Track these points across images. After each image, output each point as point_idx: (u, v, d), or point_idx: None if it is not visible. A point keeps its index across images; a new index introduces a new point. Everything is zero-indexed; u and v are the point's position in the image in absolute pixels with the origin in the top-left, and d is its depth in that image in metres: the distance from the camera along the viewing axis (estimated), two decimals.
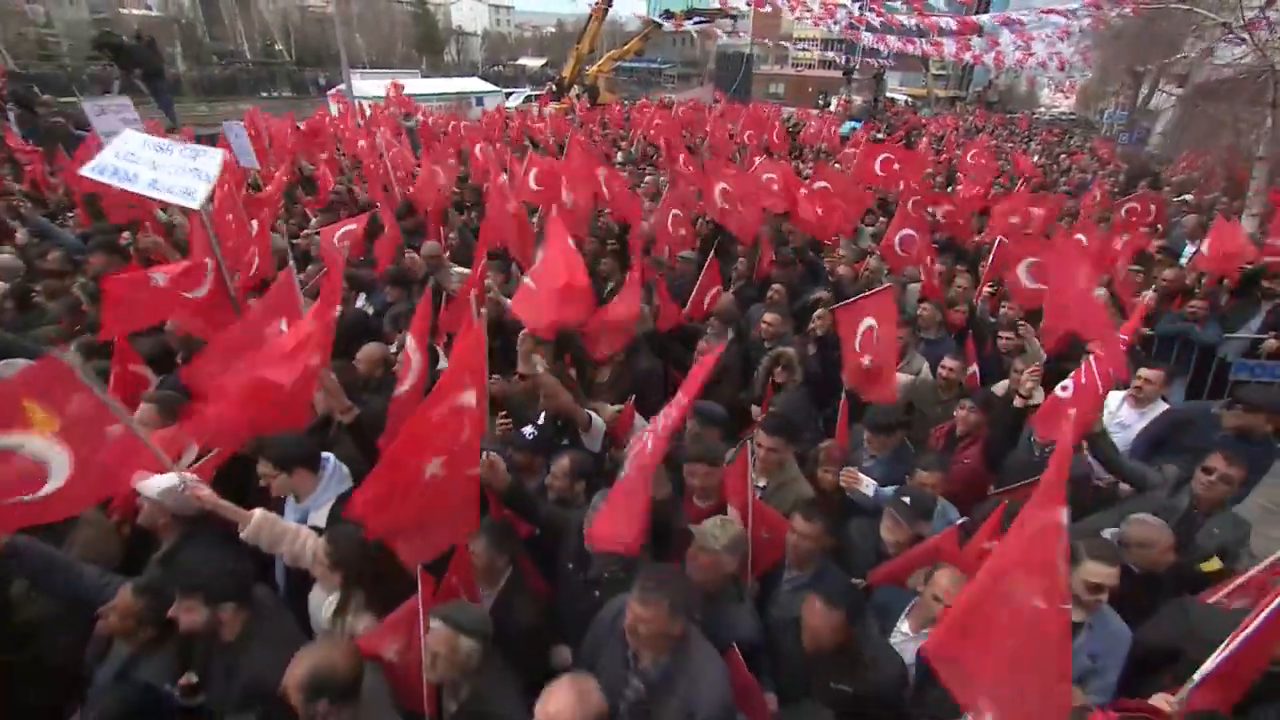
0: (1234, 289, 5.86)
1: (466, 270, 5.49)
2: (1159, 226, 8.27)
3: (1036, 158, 17.13)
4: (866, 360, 3.81)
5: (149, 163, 3.56)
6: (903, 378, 4.50)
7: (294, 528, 2.51)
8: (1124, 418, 4.04)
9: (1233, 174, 9.57)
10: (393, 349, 3.85)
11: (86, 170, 3.70)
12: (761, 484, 3.13)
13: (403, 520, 2.34)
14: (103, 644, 2.34)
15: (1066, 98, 46.93)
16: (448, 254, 5.87)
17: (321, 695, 1.93)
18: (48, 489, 2.13)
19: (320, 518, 2.61)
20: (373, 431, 2.98)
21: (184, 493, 2.31)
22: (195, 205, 3.49)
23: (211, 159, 3.59)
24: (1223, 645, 2.03)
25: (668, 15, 30.88)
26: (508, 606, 2.52)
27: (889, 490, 2.99)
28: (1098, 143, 23.32)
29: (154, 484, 2.44)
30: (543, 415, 3.44)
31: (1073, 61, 27.18)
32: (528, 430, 3.14)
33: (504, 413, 3.32)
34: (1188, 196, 9.49)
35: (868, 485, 3.06)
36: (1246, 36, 7.44)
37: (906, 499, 2.82)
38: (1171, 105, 20.53)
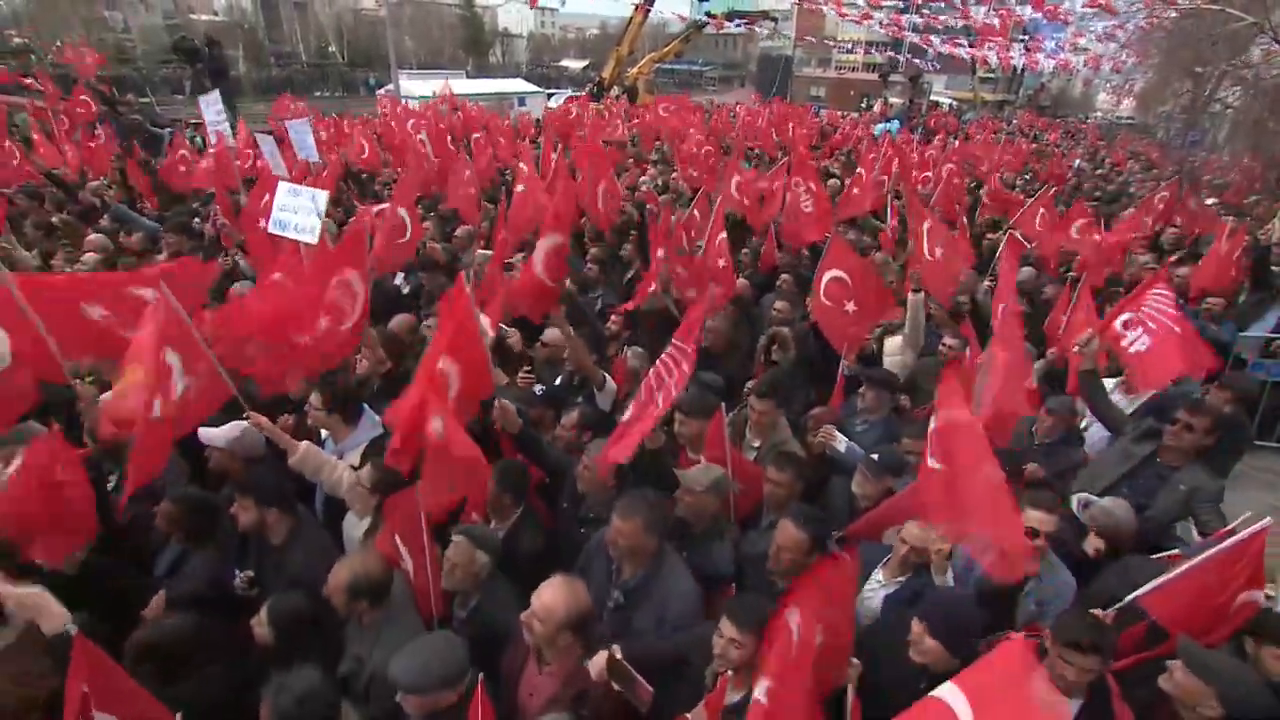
0: (1252, 284, 5.84)
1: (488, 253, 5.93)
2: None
3: (1079, 161, 16.77)
4: (850, 306, 4.17)
5: (292, 209, 4.24)
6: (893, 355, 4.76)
7: (333, 460, 2.92)
8: (1115, 403, 4.17)
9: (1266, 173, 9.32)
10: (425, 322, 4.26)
11: (271, 229, 4.37)
12: (755, 444, 3.43)
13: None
14: (162, 538, 2.76)
15: (1119, 102, 45.19)
16: (482, 241, 6.32)
17: (361, 597, 2.31)
18: (174, 395, 2.55)
19: (353, 457, 3.01)
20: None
21: (249, 425, 2.72)
22: (313, 240, 4.03)
23: (321, 198, 4.19)
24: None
25: (709, 17, 31.08)
26: (516, 538, 2.85)
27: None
28: (1145, 146, 22.55)
29: (221, 434, 2.87)
30: (560, 378, 3.80)
31: (1124, 61, 26.37)
32: (538, 388, 3.49)
33: (528, 368, 3.68)
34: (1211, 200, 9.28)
35: (841, 442, 3.31)
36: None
37: (876, 456, 3.07)
38: (1231, 109, 19.85)
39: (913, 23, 28.21)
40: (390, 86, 21.37)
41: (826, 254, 4.29)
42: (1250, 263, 5.68)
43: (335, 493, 2.91)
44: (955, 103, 42.44)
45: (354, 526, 2.85)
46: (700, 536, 2.74)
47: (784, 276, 5.48)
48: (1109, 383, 4.31)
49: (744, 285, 5.57)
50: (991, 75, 49.15)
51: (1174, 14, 15.27)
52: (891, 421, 3.88)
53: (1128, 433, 3.43)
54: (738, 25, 35.62)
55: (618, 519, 2.31)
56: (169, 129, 11.80)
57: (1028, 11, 20.46)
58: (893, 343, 4.75)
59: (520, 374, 3.60)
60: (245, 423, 2.89)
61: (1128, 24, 22.40)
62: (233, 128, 11.50)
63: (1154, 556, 2.88)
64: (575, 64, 57.76)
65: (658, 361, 2.74)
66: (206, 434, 2.86)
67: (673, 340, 2.73)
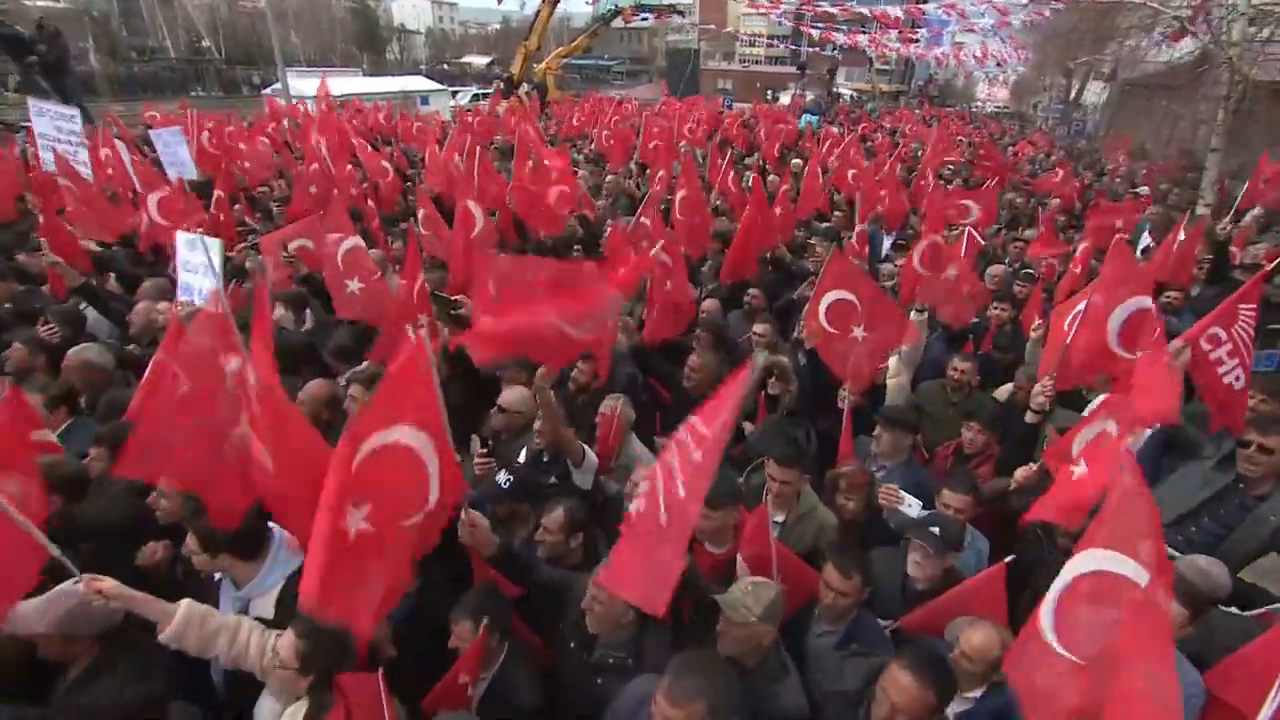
0: (1206, 276, 5.89)
1: None
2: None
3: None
4: (859, 332, 3.65)
5: (194, 267, 3.50)
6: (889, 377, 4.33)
7: (232, 622, 2.05)
8: None
9: (1179, 164, 9.85)
10: (342, 382, 3.37)
11: (180, 295, 3.63)
12: (779, 519, 2.83)
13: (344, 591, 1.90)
14: None
15: (988, 91, 48.90)
16: (397, 267, 5.38)
17: None
18: None
19: (265, 605, 2.15)
20: None
21: (77, 592, 1.80)
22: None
23: (215, 249, 3.35)
24: None
25: (616, 11, 30.48)
26: (506, 689, 2.17)
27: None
28: (1035, 135, 24.06)
29: (32, 610, 1.90)
30: (524, 451, 3.05)
31: (1007, 56, 28.13)
32: (502, 477, 2.73)
33: (484, 450, 2.89)
34: (1143, 188, 9.71)
35: (910, 505, 2.68)
36: (1203, 27, 7.56)
37: (936, 529, 2.55)
38: (1103, 96, 21.61)
39: (811, 15, 28.74)
40: (277, 86, 19.30)
41: (825, 273, 3.75)
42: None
43: (240, 667, 2.05)
44: (855, 94, 44.17)
45: (276, 714, 2.01)
46: (758, 674, 2.11)
47: (752, 292, 4.92)
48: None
49: (713, 305, 4.98)
50: (887, 68, 51.65)
51: (1060, 7, 16.20)
52: (912, 467, 3.41)
53: (1208, 456, 3.08)
54: (645, 19, 35.26)
55: (668, 705, 1.63)
56: None
57: (930, 7, 21.20)
58: (889, 363, 4.33)
59: (477, 459, 2.81)
60: (71, 586, 1.92)
61: (1012, 20, 23.93)
62: (90, 125, 9.73)
63: (1243, 613, 2.55)
64: (479, 60, 55.49)
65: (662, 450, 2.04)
66: (12, 615, 1.89)
67: (691, 420, 2.01)
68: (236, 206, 7.05)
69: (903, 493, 2.69)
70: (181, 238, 3.49)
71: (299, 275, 4.61)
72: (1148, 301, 3.12)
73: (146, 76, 35.03)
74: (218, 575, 2.27)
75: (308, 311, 4.50)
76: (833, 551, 2.33)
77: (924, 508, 2.77)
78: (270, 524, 2.30)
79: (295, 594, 2.15)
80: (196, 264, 3.38)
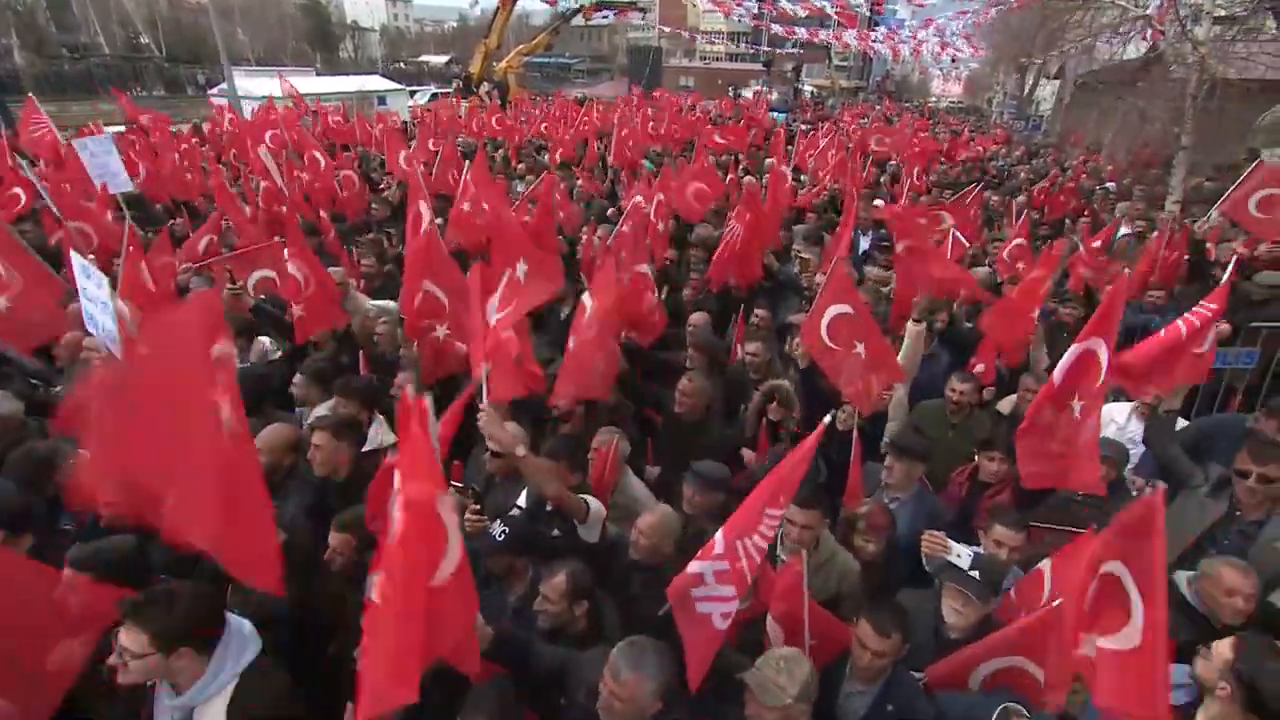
0: (1188, 275, 5.89)
1: (385, 303, 4.60)
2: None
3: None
4: (860, 348, 3.43)
5: (91, 296, 3.05)
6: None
7: None
8: (1134, 433, 3.78)
9: (1142, 160, 10.01)
10: (307, 421, 3.01)
11: (88, 325, 3.20)
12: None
13: None
14: None
15: (943, 87, 50.14)
16: (360, 283, 4.98)
17: None
18: None
19: (214, 713, 1.79)
20: (305, 557, 2.23)
21: None
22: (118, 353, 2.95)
23: (104, 284, 2.97)
24: None
25: (577, 9, 30.07)
26: None
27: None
28: (996, 132, 24.57)
29: None
30: (523, 496, 2.75)
31: (961, 54, 28.73)
32: (497, 529, 2.42)
33: (477, 504, 2.57)
34: (1110, 185, 9.86)
35: (960, 554, 2.40)
36: (1174, 26, 7.63)
37: (976, 572, 2.34)
38: (1058, 93, 22.26)
39: (771, 14, 28.81)
40: (224, 85, 18.32)
41: (826, 288, 3.52)
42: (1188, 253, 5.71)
43: None
44: (815, 90, 44.58)
45: None
46: None
47: (759, 314, 4.65)
48: (1124, 408, 3.94)
49: (702, 319, 4.70)
50: (845, 64, 52.31)
51: (1013, 3, 16.54)
52: (924, 498, 3.23)
53: (1199, 483, 2.95)
54: (606, 16, 34.95)
55: None
56: None
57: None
58: None
59: (468, 514, 2.49)
60: None
61: (967, 17, 24.45)
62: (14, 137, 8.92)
63: None
64: (437, 59, 54.20)
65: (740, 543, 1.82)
66: None
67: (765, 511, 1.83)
68: (179, 221, 6.52)
69: (952, 542, 2.45)
70: (77, 262, 3.06)
71: (250, 305, 4.20)
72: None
73: (79, 75, 33.02)
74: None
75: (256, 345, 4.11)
76: (868, 608, 2.10)
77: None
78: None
79: (253, 695, 1.85)
80: (93, 294, 2.97)
